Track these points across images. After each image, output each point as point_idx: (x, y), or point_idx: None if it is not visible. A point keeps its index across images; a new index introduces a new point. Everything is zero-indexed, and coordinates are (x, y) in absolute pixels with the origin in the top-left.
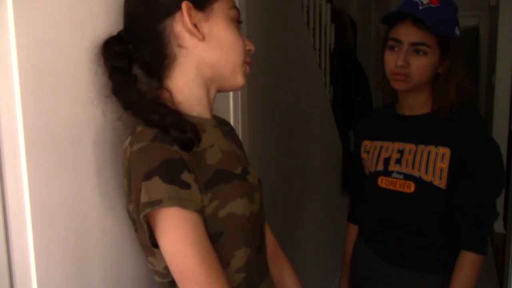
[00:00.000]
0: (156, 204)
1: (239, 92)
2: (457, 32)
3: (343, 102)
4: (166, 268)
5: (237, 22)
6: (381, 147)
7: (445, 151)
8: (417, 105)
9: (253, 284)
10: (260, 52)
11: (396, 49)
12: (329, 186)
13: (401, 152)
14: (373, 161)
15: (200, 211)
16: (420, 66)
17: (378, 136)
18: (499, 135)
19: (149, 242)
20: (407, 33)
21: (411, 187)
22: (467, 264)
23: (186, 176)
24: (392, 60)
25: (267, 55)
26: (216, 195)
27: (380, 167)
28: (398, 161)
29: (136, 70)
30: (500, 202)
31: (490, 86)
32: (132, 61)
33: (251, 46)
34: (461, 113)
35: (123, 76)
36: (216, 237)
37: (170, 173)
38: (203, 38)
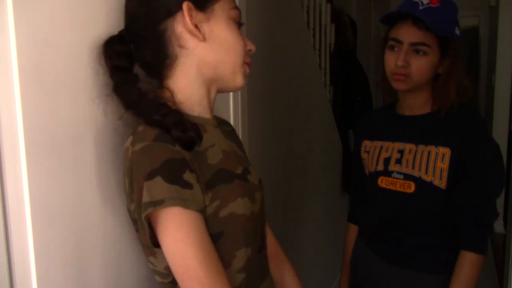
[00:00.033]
0: (158, 204)
1: (239, 92)
2: (457, 32)
3: (343, 102)
4: (167, 268)
5: (238, 23)
6: (381, 147)
7: (445, 151)
8: (417, 105)
9: (254, 284)
10: (260, 52)
11: (396, 49)
12: (329, 186)
13: (401, 152)
14: (373, 161)
15: (202, 211)
16: (420, 66)
17: (378, 136)
18: (499, 135)
19: (150, 242)
20: (407, 33)
21: (411, 187)
22: (467, 264)
23: (188, 176)
24: (392, 60)
25: (267, 55)
26: (217, 195)
27: (380, 167)
28: (398, 161)
29: (137, 70)
30: (500, 202)
31: (490, 86)
32: (133, 61)
33: (252, 46)
34: (461, 113)
35: (124, 75)
36: (217, 237)
37: (172, 173)
38: (203, 39)
